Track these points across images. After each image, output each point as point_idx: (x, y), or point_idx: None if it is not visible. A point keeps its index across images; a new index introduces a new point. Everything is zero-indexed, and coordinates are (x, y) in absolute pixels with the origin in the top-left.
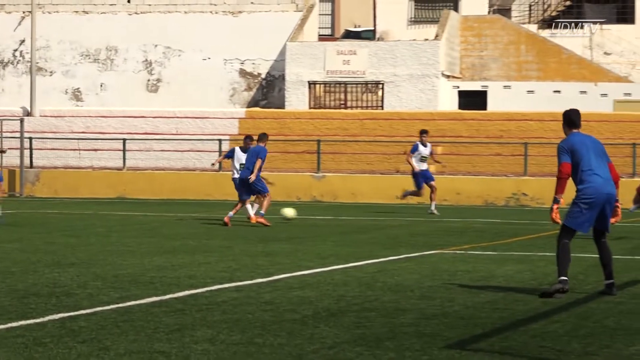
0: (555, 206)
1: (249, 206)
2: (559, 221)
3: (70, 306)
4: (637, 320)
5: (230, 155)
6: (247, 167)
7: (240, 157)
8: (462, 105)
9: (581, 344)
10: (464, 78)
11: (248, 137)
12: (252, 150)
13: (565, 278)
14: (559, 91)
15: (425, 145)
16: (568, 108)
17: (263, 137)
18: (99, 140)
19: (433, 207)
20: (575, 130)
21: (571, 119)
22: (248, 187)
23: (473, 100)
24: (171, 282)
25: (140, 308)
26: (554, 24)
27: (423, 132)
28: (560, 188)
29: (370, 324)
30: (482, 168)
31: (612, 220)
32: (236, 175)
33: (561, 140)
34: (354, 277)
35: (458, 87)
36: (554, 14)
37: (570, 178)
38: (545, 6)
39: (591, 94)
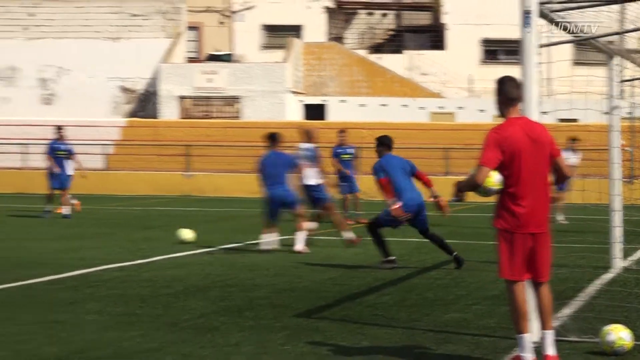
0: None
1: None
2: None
3: None
4: (451, 292)
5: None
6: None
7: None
8: (306, 117)
9: (407, 313)
10: (307, 94)
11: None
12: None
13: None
14: (385, 104)
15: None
16: (393, 119)
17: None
18: (2, 145)
19: None
20: (387, 152)
21: (385, 142)
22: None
23: (315, 112)
24: (65, 264)
25: (39, 285)
26: (380, 49)
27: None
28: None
29: (232, 297)
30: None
31: (445, 211)
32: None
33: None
34: (217, 258)
35: (302, 101)
36: (380, 41)
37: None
38: (373, 34)
39: (411, 107)
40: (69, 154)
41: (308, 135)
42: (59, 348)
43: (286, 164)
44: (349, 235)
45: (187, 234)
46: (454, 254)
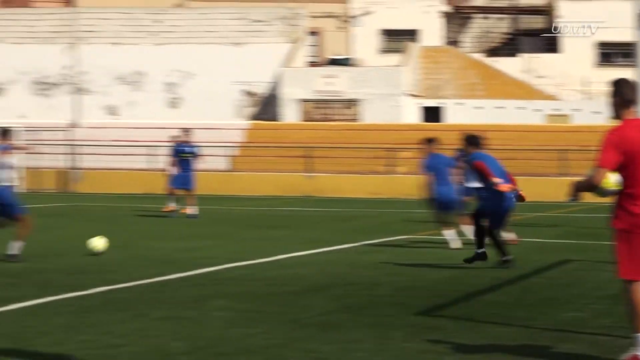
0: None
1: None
2: None
3: (112, 281)
4: (568, 292)
5: None
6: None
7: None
8: (423, 119)
9: (525, 311)
10: (424, 96)
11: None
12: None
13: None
14: (501, 107)
15: None
16: (509, 121)
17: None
18: (130, 147)
19: None
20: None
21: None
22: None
23: (432, 114)
24: (193, 262)
25: (169, 282)
26: (496, 53)
27: None
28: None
29: (353, 295)
30: None
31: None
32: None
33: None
34: (340, 257)
35: (419, 103)
36: (496, 44)
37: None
38: (489, 38)
39: (527, 110)
40: (194, 156)
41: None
42: (186, 343)
43: (447, 165)
44: (510, 236)
45: (98, 244)
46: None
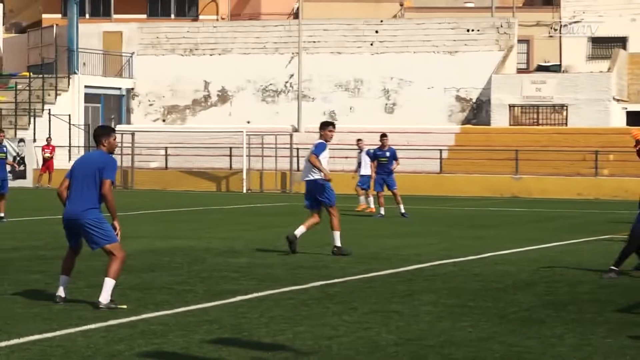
0: None
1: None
2: None
3: (327, 276)
4: None
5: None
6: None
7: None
8: (629, 123)
9: None
10: (630, 101)
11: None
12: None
13: None
14: None
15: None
16: None
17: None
18: (343, 150)
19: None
20: None
21: None
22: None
23: (638, 118)
24: (403, 259)
25: (379, 278)
26: None
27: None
28: None
29: (557, 292)
30: None
31: None
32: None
33: None
34: (544, 255)
35: (626, 108)
36: None
37: None
38: None
39: None
40: (390, 160)
41: None
42: (396, 335)
43: None
44: None
45: None
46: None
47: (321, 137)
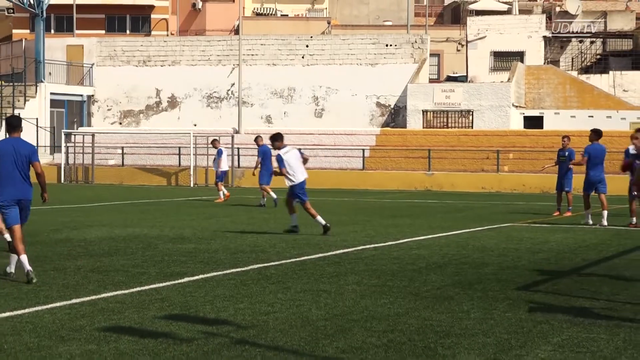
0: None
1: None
2: None
3: (265, 259)
4: None
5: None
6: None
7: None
8: (526, 126)
9: (609, 287)
10: (527, 107)
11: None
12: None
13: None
14: (592, 116)
15: None
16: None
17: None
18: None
19: None
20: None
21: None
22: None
23: (533, 122)
24: (331, 244)
25: (310, 261)
26: (589, 71)
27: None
28: None
29: (464, 273)
30: (540, 167)
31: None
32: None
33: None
34: (453, 241)
35: (523, 113)
36: (589, 64)
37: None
38: (583, 58)
39: (614, 118)
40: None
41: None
42: (325, 311)
43: (603, 154)
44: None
45: None
46: None
47: (275, 148)
